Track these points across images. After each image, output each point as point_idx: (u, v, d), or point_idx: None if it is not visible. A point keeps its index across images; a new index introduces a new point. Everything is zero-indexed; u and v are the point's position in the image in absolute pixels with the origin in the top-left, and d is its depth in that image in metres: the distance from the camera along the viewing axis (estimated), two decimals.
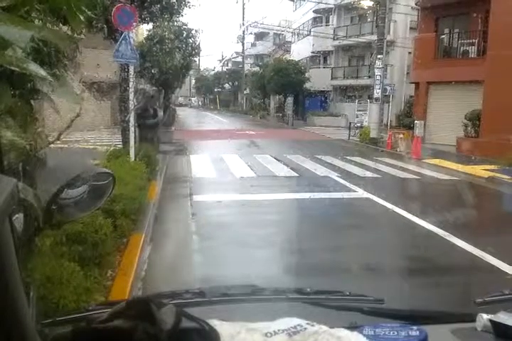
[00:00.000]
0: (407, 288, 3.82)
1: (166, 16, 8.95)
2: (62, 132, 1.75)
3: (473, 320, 0.97)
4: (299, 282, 4.14)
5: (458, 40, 18.49)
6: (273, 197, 8.12)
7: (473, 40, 17.30)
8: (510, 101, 12.97)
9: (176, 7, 9.10)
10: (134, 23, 7.65)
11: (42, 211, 1.13)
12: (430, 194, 9.46)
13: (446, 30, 19.03)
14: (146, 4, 8.29)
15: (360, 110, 24.79)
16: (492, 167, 11.14)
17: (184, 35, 20.69)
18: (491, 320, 0.88)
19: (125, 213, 4.91)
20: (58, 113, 2.11)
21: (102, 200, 1.32)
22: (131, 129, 8.26)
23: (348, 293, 1.23)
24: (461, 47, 18.08)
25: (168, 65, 18.21)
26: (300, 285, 4.01)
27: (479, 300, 1.12)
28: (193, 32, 21.53)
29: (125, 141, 8.73)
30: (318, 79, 33.36)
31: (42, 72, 1.30)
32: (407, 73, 24.48)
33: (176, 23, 16.59)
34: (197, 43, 22.80)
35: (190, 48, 21.80)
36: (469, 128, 15.71)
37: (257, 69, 42.19)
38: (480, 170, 11.15)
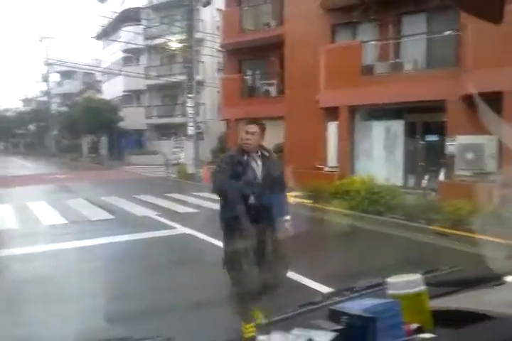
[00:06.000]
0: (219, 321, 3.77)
1: None
2: None
3: None
4: (118, 329, 3.82)
5: (260, 80, 20.19)
6: (87, 244, 7.53)
7: (273, 81, 19.05)
8: (306, 134, 14.48)
9: None
10: None
11: None
12: None
13: (249, 72, 20.65)
14: None
15: (176, 147, 25.18)
16: (297, 193, 12.12)
17: None
18: None
19: None
20: None
21: None
22: None
23: (135, 338, 1.10)
24: (263, 87, 19.75)
25: None
26: (118, 332, 3.68)
27: (266, 321, 1.08)
28: None
29: None
30: (133, 117, 33.07)
31: None
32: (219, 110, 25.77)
33: None
34: None
35: None
36: None
37: (65, 109, 40.00)
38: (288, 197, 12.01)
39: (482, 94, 7.77)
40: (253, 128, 3.96)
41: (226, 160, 4.02)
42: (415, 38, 12.97)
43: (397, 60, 13.03)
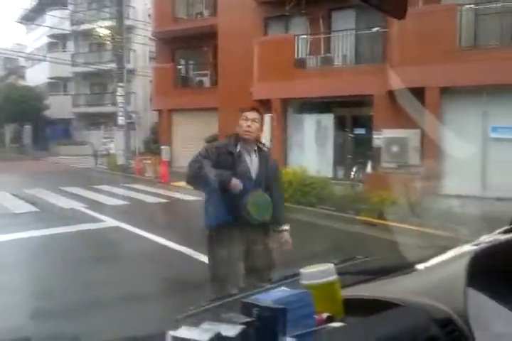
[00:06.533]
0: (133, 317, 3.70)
1: None
2: None
3: None
4: (40, 327, 3.66)
5: (194, 70, 19.93)
6: (10, 238, 7.15)
7: (207, 71, 18.87)
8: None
9: None
10: None
11: None
12: (177, 215, 9.73)
13: (183, 61, 20.31)
14: None
15: (106, 137, 24.35)
16: None
17: None
18: (174, 337, 0.81)
19: None
20: None
21: None
22: None
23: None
24: (197, 78, 19.53)
25: None
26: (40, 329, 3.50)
27: (181, 316, 1.06)
28: None
29: None
30: (59, 106, 31.65)
31: None
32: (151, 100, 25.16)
33: None
34: None
35: None
36: None
37: None
38: None
39: (407, 90, 8.12)
40: (253, 114, 3.36)
41: (211, 150, 3.29)
42: (345, 34, 13.28)
43: (328, 55, 13.30)
